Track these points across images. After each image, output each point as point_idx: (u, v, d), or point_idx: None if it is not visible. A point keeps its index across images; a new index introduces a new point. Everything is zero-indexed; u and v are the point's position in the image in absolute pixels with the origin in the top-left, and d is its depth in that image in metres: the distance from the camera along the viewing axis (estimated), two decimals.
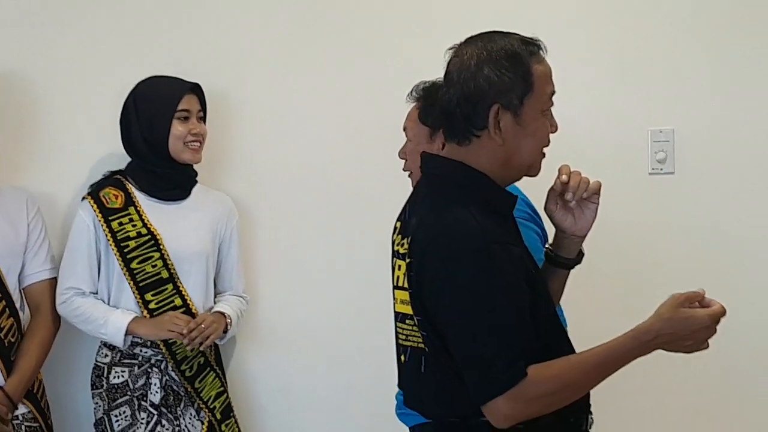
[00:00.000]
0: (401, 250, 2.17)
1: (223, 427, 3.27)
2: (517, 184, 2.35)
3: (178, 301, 3.21)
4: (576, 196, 2.26)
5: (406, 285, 2.13)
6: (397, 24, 3.63)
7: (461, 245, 2.03)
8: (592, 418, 2.29)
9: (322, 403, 3.68)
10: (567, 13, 3.59)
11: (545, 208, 2.32)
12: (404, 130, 2.89)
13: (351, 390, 3.64)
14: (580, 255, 2.38)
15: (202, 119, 3.28)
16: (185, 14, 3.51)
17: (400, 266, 2.17)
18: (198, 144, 3.22)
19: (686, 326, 2.01)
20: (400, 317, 2.20)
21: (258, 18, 3.56)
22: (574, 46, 3.51)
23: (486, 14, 3.39)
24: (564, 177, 2.24)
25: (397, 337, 2.24)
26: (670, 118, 3.55)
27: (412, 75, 2.87)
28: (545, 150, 2.19)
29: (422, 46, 3.34)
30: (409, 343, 2.17)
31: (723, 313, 2.03)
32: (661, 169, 3.54)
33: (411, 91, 2.86)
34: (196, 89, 3.25)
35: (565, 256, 2.34)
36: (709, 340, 2.08)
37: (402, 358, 2.23)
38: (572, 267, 2.38)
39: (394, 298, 2.24)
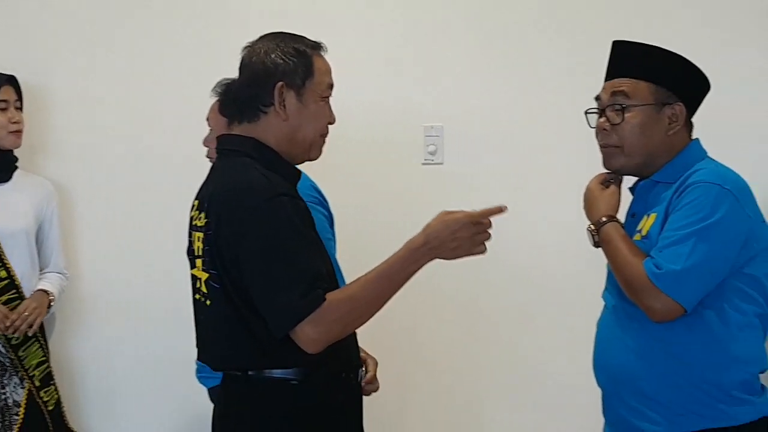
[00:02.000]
0: (199, 224, 2.18)
1: (42, 394, 3.29)
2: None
3: (3, 274, 3.23)
4: None
5: (201, 253, 2.15)
6: (203, 21, 3.67)
7: (253, 196, 2.06)
8: (362, 371, 2.34)
9: (139, 368, 3.69)
10: (348, 17, 3.65)
11: None
12: (207, 120, 2.98)
13: (167, 354, 3.64)
14: None
15: (20, 108, 3.32)
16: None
17: (199, 237, 2.18)
18: (18, 131, 3.27)
19: (446, 228, 2.04)
20: (195, 281, 2.22)
21: (69, 12, 3.59)
22: (358, 51, 3.55)
23: (280, 21, 3.39)
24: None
25: (194, 300, 2.25)
26: (440, 116, 3.61)
27: (218, 71, 2.89)
28: (326, 139, 2.28)
29: (229, 44, 3.31)
30: (203, 301, 2.19)
31: (482, 215, 2.07)
32: (432, 160, 3.61)
33: (215, 87, 2.91)
34: (12, 81, 3.31)
35: None
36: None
37: (199, 317, 2.25)
38: None
39: (192, 266, 2.25)
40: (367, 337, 2.43)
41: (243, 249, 2.05)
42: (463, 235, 2.06)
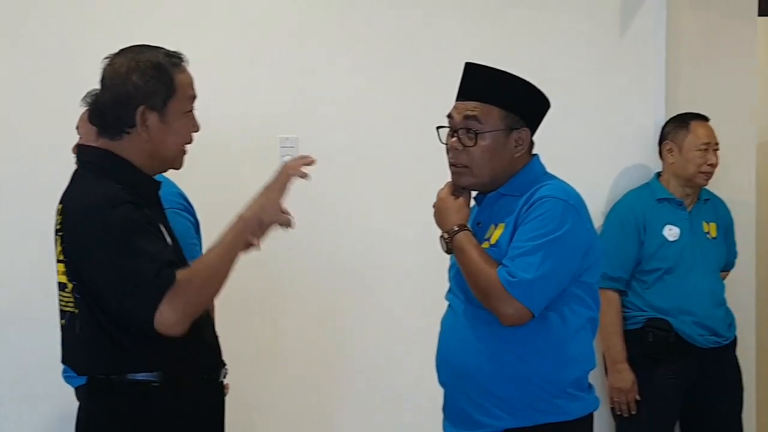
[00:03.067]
0: (58, 228, 2.15)
1: None
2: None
3: None
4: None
5: (62, 257, 2.13)
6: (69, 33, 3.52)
7: (100, 209, 2.04)
8: (225, 369, 2.31)
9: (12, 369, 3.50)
10: (207, 28, 3.56)
11: None
12: (77, 129, 2.89)
13: (35, 356, 3.43)
14: None
15: None
16: None
17: (58, 241, 2.15)
18: None
19: (261, 191, 2.17)
20: (60, 286, 2.17)
21: None
22: (215, 63, 3.45)
23: (149, 33, 3.32)
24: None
25: (59, 304, 2.20)
26: (295, 128, 3.58)
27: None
28: (188, 147, 2.23)
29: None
30: (67, 309, 2.15)
31: (284, 179, 2.18)
32: None
33: (84, 97, 2.81)
34: None
35: None
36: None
37: (62, 322, 2.19)
38: None
39: (57, 271, 2.20)
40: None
41: (94, 260, 2.04)
42: (271, 195, 2.17)
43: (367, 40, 3.64)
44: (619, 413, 3.52)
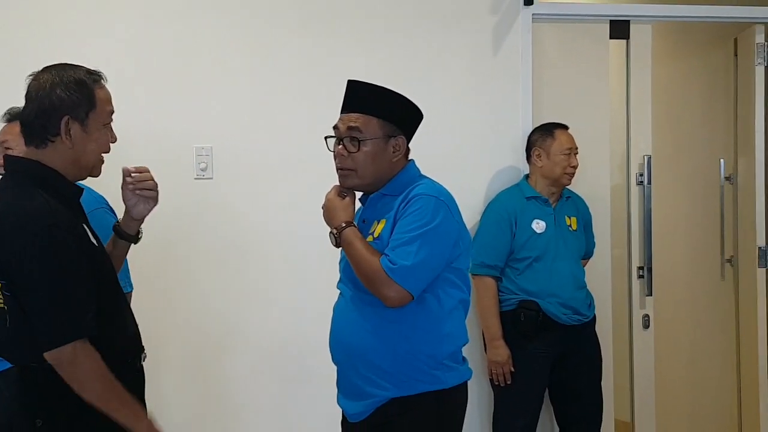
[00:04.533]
0: None
1: None
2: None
3: None
4: (136, 187, 2.32)
5: None
6: None
7: (36, 222, 2.03)
8: (144, 353, 2.32)
9: None
10: (130, 47, 3.54)
11: (123, 196, 2.37)
12: (2, 143, 2.85)
13: None
14: (139, 234, 2.43)
15: None
16: None
17: None
18: None
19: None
20: None
21: None
22: (138, 80, 3.49)
23: (62, 51, 3.22)
24: (132, 169, 2.31)
25: None
26: (210, 138, 3.60)
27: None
28: (106, 156, 2.24)
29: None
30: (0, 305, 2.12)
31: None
32: (203, 176, 3.61)
33: (4, 114, 2.84)
34: None
35: (127, 232, 2.39)
36: None
37: None
38: (133, 242, 2.43)
39: None
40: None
41: (25, 270, 2.03)
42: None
43: (268, 67, 3.66)
44: (497, 383, 3.60)
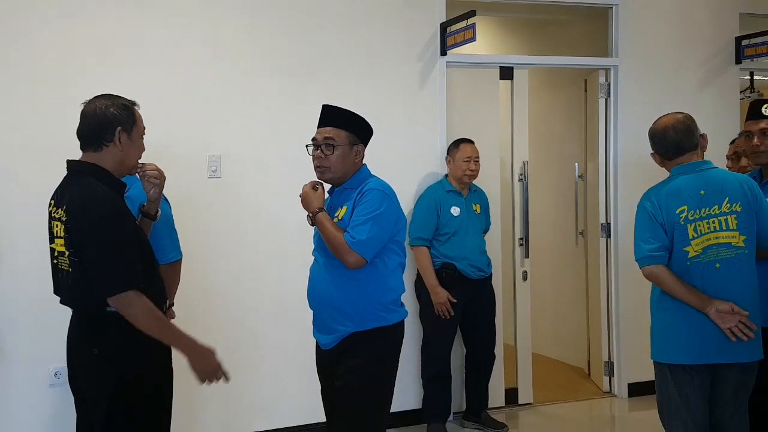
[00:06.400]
0: (57, 215, 2.05)
1: None
2: None
3: None
4: (144, 175, 2.20)
5: (62, 234, 2.02)
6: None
7: (100, 208, 1.98)
8: (168, 302, 2.24)
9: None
10: (159, 75, 3.38)
11: (143, 186, 2.24)
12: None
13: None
14: (158, 214, 2.30)
15: None
16: None
17: (57, 225, 2.04)
18: None
19: (197, 353, 2.07)
20: (60, 254, 2.06)
21: None
22: (160, 103, 3.26)
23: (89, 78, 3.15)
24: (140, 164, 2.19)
25: (57, 265, 2.09)
26: (218, 147, 3.48)
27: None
28: (140, 161, 2.16)
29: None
30: (62, 268, 2.05)
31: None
32: (215, 176, 3.48)
33: None
34: None
35: (149, 212, 2.28)
36: None
37: (59, 276, 2.09)
38: (153, 219, 2.29)
39: (52, 242, 2.08)
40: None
41: (96, 239, 1.96)
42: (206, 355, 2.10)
43: (264, 99, 3.57)
44: (443, 317, 3.53)
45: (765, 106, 2.60)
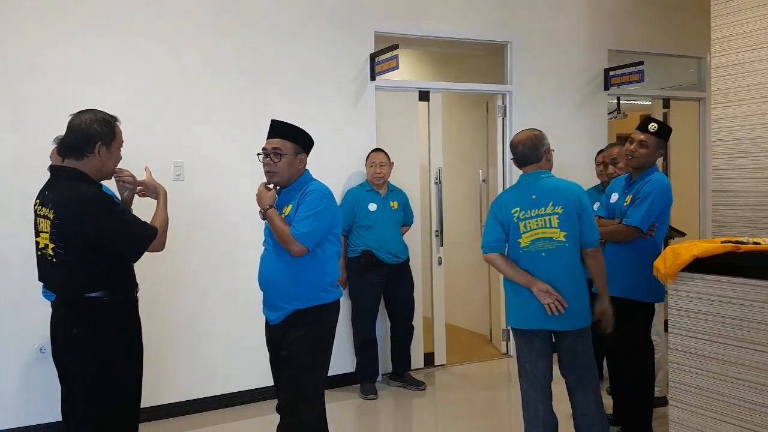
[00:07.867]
0: (42, 213, 2.00)
1: None
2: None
3: None
4: (120, 180, 2.18)
5: (47, 229, 1.98)
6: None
7: (95, 205, 1.96)
8: (138, 288, 2.14)
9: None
10: (129, 84, 3.30)
11: (117, 188, 2.21)
12: (50, 157, 2.65)
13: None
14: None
15: None
16: None
17: (42, 222, 1.99)
18: None
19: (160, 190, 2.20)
20: (41, 246, 2.02)
21: None
22: (134, 113, 3.25)
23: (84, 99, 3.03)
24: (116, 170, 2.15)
25: (39, 255, 2.05)
26: (182, 154, 3.41)
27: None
28: (117, 168, 2.13)
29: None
30: (48, 259, 2.00)
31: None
32: (179, 179, 3.41)
33: (54, 139, 2.63)
34: None
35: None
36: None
37: (44, 266, 2.04)
38: None
39: (37, 236, 2.03)
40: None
41: (100, 232, 1.94)
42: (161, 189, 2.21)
43: (221, 113, 3.50)
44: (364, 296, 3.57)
45: (652, 124, 2.67)
